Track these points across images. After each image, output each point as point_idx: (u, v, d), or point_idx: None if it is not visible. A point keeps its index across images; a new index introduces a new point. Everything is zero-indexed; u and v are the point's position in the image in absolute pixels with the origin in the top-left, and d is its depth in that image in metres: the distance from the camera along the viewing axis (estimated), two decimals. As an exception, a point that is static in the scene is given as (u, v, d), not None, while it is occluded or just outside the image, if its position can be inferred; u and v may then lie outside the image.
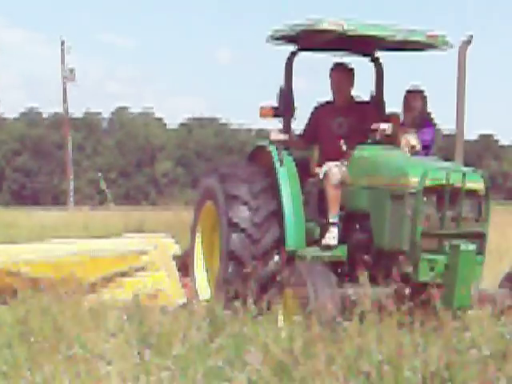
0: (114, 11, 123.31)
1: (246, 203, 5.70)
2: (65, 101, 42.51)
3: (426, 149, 5.94)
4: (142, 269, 6.60)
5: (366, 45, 6.24)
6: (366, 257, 5.23)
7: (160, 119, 74.44)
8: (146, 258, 6.69)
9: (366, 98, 6.42)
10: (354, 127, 5.98)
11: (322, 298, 4.49)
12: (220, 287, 5.65)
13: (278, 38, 6.23)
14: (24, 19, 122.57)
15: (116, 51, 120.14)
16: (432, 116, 6.16)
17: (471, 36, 5.13)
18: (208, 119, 74.77)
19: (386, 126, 5.65)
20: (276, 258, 5.66)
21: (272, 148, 6.01)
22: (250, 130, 67.74)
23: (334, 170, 5.62)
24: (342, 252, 5.50)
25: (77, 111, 63.17)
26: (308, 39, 6.03)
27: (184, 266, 6.79)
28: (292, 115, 6.19)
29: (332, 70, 6.18)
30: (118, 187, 59.03)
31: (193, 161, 66.87)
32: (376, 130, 5.69)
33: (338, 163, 5.75)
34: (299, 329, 4.05)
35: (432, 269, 4.88)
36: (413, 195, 4.90)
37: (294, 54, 6.26)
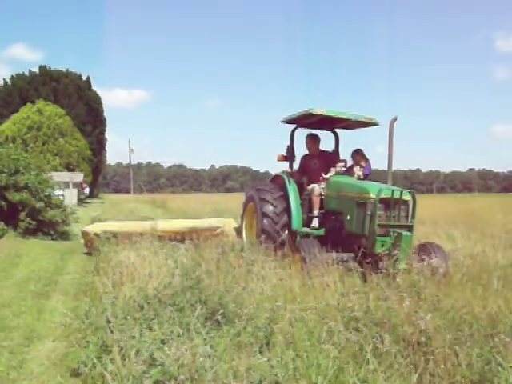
0: None
1: (270, 203, 10.13)
2: None
3: (366, 177, 10.08)
4: (218, 235, 11.78)
5: (330, 124, 10.87)
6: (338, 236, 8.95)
7: None
8: (219, 230, 12.21)
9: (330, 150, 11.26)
10: (323, 165, 10.43)
11: (313, 257, 7.64)
12: (257, 241, 9.73)
13: (287, 122, 10.69)
14: None
15: None
16: (368, 160, 10.36)
17: (396, 116, 8.42)
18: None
19: (342, 167, 10.17)
20: (285, 233, 9.89)
21: (284, 175, 10.56)
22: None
23: (316, 188, 9.84)
24: (321, 232, 9.46)
25: None
26: (302, 121, 10.54)
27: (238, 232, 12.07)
28: (294, 160, 10.98)
29: (307, 137, 10.83)
30: None
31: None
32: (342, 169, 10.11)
33: (317, 184, 9.94)
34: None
35: (382, 245, 7.99)
36: (371, 203, 8.16)
37: (294, 129, 10.93)
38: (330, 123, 10.71)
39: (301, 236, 9.52)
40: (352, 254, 8.10)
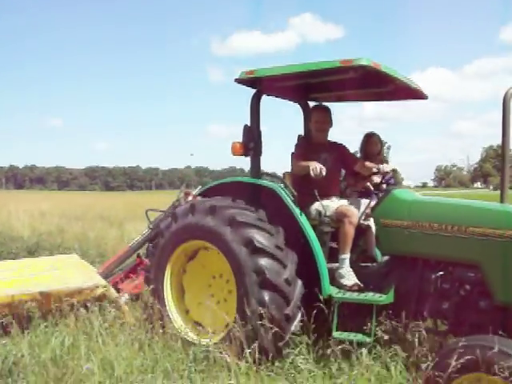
0: None
1: (267, 231, 5.16)
2: None
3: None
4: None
5: (323, 90, 6.40)
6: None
7: None
8: (99, 290, 6.20)
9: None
10: (336, 164, 5.93)
11: None
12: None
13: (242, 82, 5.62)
14: None
15: None
16: (387, 158, 6.56)
17: None
18: None
19: (388, 168, 5.70)
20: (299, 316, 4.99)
21: (276, 187, 5.48)
22: None
23: (351, 210, 5.41)
24: (389, 298, 4.94)
25: None
26: (280, 82, 5.62)
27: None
28: (261, 153, 5.72)
29: (314, 109, 6.14)
30: None
31: None
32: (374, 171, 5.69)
33: (345, 201, 5.76)
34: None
35: None
36: None
37: (259, 96, 5.71)
38: (326, 88, 6.28)
39: (338, 306, 5.01)
40: None
